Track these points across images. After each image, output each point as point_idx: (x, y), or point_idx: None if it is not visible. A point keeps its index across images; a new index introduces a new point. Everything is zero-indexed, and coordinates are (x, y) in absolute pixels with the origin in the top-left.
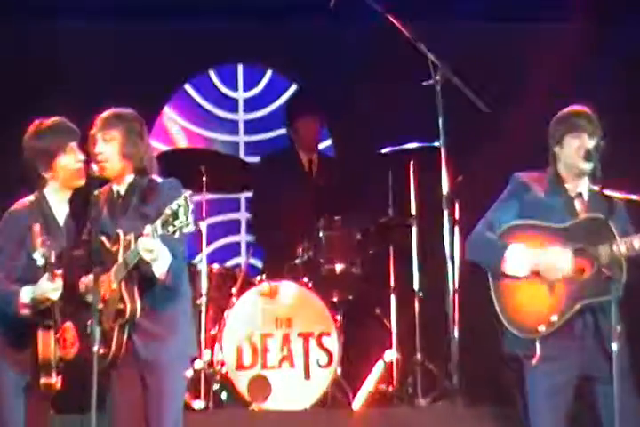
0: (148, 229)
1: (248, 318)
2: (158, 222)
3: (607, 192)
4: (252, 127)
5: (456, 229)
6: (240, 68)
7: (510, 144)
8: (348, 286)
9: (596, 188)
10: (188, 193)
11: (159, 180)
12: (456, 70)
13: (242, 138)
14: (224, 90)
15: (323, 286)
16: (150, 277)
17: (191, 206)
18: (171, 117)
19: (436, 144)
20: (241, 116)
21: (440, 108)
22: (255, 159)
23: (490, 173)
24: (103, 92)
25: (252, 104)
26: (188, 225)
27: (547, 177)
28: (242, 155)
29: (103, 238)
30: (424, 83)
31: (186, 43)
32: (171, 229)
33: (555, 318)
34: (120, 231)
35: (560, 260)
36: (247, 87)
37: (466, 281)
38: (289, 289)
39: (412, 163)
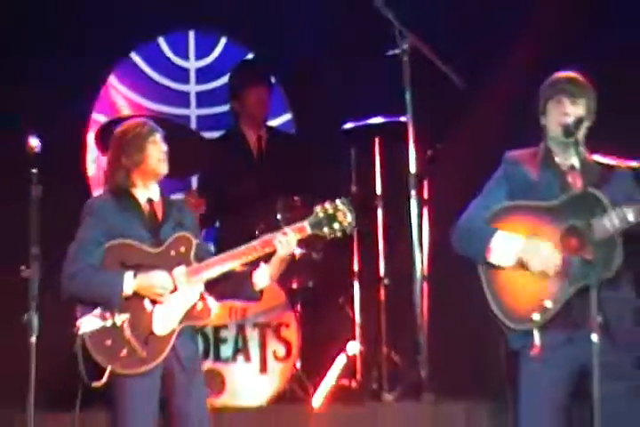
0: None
1: None
2: (312, 220)
3: (600, 159)
4: (205, 99)
5: (425, 210)
6: (191, 35)
7: (484, 119)
8: (308, 272)
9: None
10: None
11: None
12: (425, 40)
13: (193, 111)
14: (174, 59)
15: None
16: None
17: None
18: (116, 88)
19: (403, 119)
20: (193, 88)
21: (407, 79)
22: (209, 135)
23: (462, 149)
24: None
25: (204, 74)
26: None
27: (539, 153)
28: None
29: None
30: (389, 52)
31: (132, 8)
32: (326, 230)
33: (549, 303)
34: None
35: (545, 253)
36: (199, 56)
37: (436, 267)
38: None
39: (376, 139)
